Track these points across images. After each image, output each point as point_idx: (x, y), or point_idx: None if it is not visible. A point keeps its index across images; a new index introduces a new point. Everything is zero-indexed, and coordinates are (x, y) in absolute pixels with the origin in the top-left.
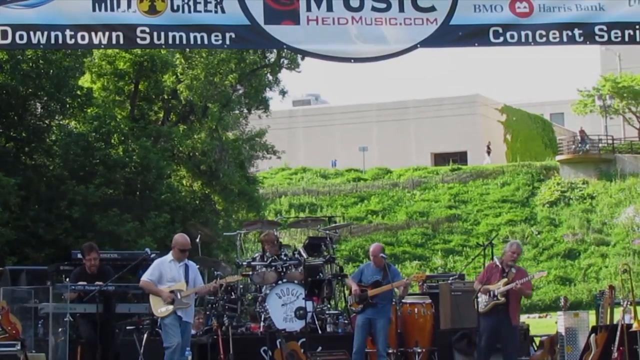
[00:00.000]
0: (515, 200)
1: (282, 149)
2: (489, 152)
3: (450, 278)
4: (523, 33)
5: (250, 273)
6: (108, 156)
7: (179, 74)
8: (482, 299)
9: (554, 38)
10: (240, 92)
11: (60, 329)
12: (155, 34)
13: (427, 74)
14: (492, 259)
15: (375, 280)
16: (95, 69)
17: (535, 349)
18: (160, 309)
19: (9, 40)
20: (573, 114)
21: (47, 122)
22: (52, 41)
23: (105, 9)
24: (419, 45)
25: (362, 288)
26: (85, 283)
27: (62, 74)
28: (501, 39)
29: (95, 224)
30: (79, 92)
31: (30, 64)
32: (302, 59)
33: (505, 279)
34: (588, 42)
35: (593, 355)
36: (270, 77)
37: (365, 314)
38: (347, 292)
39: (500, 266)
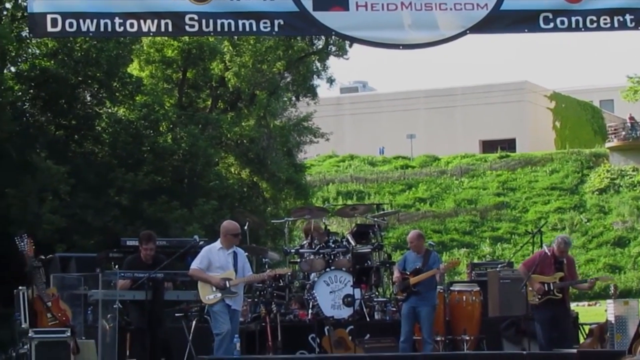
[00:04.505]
0: (564, 188)
1: (328, 138)
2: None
3: (499, 266)
4: (573, 19)
5: (298, 260)
6: (156, 144)
7: (226, 62)
8: (536, 289)
9: (605, 24)
10: (288, 79)
11: (109, 316)
12: (203, 21)
13: (475, 60)
14: (541, 246)
15: (416, 267)
16: (143, 57)
17: (585, 337)
18: (209, 296)
19: (58, 28)
20: (623, 101)
21: (96, 109)
22: (102, 29)
23: None
24: (468, 32)
25: (404, 276)
26: (135, 271)
27: (112, 61)
28: (551, 24)
29: (143, 211)
30: (128, 80)
31: (81, 53)
32: (350, 45)
33: (562, 273)
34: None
35: None
36: (318, 64)
37: (409, 302)
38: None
39: (551, 256)
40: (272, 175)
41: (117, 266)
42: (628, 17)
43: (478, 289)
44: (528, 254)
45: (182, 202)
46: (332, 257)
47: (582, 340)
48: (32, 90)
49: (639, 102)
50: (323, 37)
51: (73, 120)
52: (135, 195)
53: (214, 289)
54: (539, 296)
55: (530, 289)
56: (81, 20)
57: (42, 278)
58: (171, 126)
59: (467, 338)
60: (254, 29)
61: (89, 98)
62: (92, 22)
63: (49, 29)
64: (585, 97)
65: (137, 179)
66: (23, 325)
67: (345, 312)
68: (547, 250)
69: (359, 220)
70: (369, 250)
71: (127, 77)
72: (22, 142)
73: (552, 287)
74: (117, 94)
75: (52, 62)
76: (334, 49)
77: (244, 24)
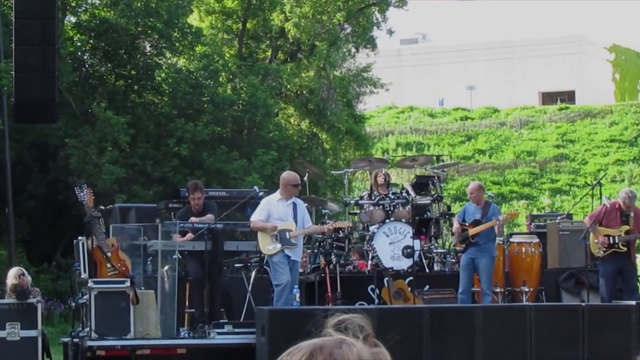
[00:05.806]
0: (623, 140)
1: (388, 88)
2: None
3: (558, 217)
4: None
5: (358, 212)
6: (216, 94)
7: (286, 13)
8: (600, 241)
9: None
10: (348, 30)
11: (168, 266)
12: None
13: (534, 12)
14: (600, 198)
15: (475, 219)
16: (203, 7)
17: None
18: (268, 246)
19: None
20: None
21: (156, 60)
22: None
23: None
24: None
25: (464, 227)
26: (195, 220)
27: (172, 12)
28: None
29: (203, 161)
30: (188, 31)
31: (141, 3)
32: None
33: (628, 226)
34: None
35: None
36: (378, 16)
37: (468, 254)
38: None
39: (618, 209)
40: (331, 126)
41: (176, 217)
42: None
43: (537, 240)
44: (587, 205)
45: (242, 152)
46: (392, 208)
47: None
48: (92, 41)
49: None
50: None
51: (133, 70)
52: (194, 145)
53: (274, 239)
54: (604, 249)
55: (595, 241)
56: None
57: (101, 228)
58: (231, 77)
59: (526, 290)
60: None
61: (148, 48)
62: None
63: None
64: None
65: (197, 129)
66: (82, 276)
67: (404, 263)
68: (607, 204)
69: (419, 172)
70: (429, 201)
71: (187, 27)
72: (82, 92)
73: (616, 240)
74: (177, 45)
75: (112, 12)
76: (393, 0)
77: None
